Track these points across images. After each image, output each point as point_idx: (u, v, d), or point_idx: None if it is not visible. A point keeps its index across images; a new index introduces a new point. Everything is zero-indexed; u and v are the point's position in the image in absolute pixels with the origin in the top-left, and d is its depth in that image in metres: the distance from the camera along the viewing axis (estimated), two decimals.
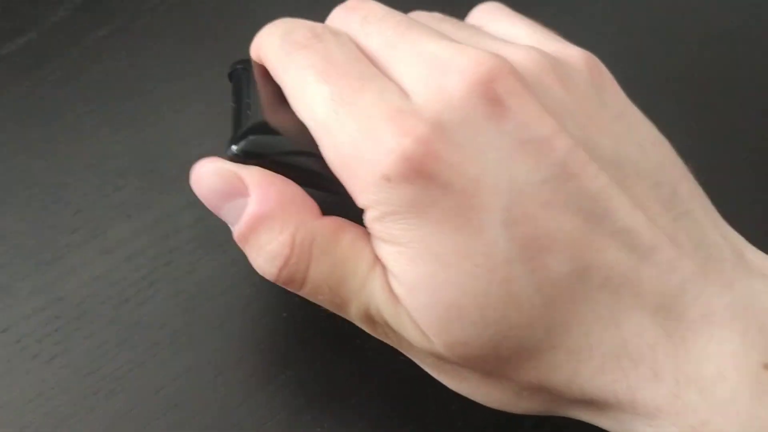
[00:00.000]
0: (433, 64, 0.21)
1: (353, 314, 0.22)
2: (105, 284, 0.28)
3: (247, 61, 0.27)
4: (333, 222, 0.22)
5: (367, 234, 0.22)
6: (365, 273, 0.21)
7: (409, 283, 0.20)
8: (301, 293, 0.22)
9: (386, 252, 0.21)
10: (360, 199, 0.21)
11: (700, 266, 0.21)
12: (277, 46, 0.23)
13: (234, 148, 0.23)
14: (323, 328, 0.27)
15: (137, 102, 0.32)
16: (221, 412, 0.25)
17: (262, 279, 0.22)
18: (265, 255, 0.21)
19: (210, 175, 0.22)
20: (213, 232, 0.29)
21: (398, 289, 0.21)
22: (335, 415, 0.25)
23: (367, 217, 0.21)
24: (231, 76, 0.27)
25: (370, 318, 0.22)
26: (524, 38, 0.24)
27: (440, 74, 0.21)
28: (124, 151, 0.31)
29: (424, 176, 0.20)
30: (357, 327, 0.23)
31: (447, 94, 0.20)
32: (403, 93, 0.21)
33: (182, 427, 0.25)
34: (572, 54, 0.23)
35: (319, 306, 0.22)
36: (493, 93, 0.20)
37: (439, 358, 0.21)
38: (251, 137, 0.23)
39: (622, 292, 0.20)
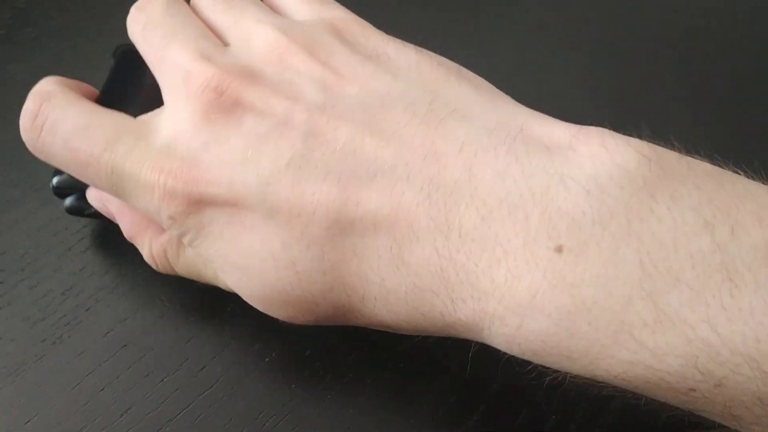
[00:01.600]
0: (171, 83, 0.23)
1: (224, 287, 0.24)
2: (47, 234, 0.28)
3: (134, 50, 0.26)
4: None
5: None
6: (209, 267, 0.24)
7: (229, 285, 0.23)
8: None
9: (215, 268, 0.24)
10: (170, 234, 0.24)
11: (466, 168, 0.20)
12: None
13: (54, 181, 0.26)
14: None
15: (71, 54, 0.32)
16: (171, 349, 0.25)
17: None
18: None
19: (92, 201, 0.26)
20: None
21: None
22: (285, 340, 0.26)
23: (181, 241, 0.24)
24: (114, 55, 0.27)
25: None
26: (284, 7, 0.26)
27: (177, 98, 0.23)
28: None
29: (192, 203, 0.22)
30: None
31: (182, 121, 0.22)
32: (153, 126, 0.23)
33: (133, 365, 0.25)
34: (320, 18, 0.24)
35: None
36: (223, 103, 0.22)
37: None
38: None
39: (396, 231, 0.20)
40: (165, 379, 0.25)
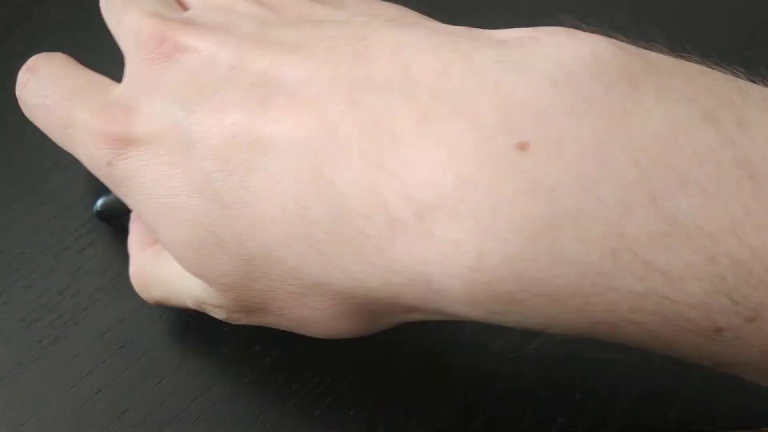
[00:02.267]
0: (126, 42, 0.24)
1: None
2: (44, 234, 0.27)
3: None
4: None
5: None
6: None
7: (166, 246, 0.22)
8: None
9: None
10: (112, 189, 0.23)
11: (400, 68, 0.17)
12: None
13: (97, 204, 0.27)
14: None
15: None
16: (169, 350, 0.25)
17: None
18: None
19: None
20: None
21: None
22: (285, 342, 0.25)
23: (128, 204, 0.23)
24: None
25: (197, 306, 0.23)
26: None
27: (130, 49, 0.23)
28: None
29: (128, 143, 0.21)
30: None
31: (131, 73, 0.23)
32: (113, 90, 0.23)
33: (130, 367, 0.25)
34: None
35: None
36: (165, 51, 0.22)
37: (232, 308, 0.21)
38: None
39: (316, 144, 0.18)
40: (163, 381, 0.24)
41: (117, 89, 0.23)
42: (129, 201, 0.23)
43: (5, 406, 0.24)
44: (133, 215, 0.25)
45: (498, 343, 0.25)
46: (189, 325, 0.25)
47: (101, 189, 0.27)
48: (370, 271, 0.17)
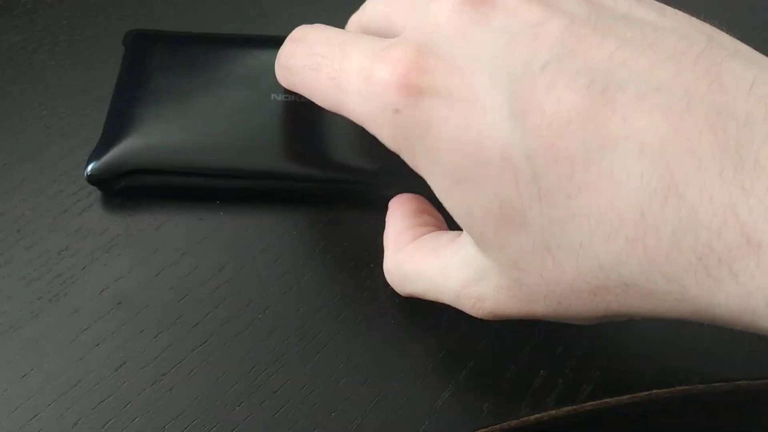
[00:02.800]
0: (416, 1, 0.22)
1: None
2: (44, 198, 0.28)
3: (144, 35, 0.28)
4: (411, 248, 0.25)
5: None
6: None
7: (459, 211, 0.21)
8: None
9: (435, 190, 0.22)
10: (388, 142, 0.22)
11: (760, 105, 0.18)
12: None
13: (88, 169, 0.27)
14: (262, 220, 0.28)
15: (68, 25, 0.33)
16: (165, 306, 0.26)
17: None
18: None
19: None
20: None
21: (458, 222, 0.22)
22: (277, 298, 0.26)
23: (403, 155, 0.22)
24: (125, 42, 0.29)
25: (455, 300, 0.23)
26: None
27: (425, 4, 0.22)
28: (56, 76, 0.31)
29: (426, 94, 0.20)
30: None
31: (432, 16, 0.21)
32: (389, 39, 0.22)
33: (127, 322, 0.25)
34: None
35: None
36: (471, 2, 0.21)
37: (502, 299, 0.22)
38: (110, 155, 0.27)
39: (670, 157, 0.18)
40: (159, 335, 0.25)
41: (402, 36, 0.22)
42: (416, 156, 0.21)
43: (7, 360, 0.24)
44: (391, 206, 0.26)
45: None
46: (185, 283, 0.26)
47: (92, 155, 0.28)
48: (702, 280, 0.18)
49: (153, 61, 0.30)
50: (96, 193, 0.28)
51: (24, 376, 0.24)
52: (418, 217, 0.26)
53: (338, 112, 0.24)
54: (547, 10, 0.20)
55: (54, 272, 0.26)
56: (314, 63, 0.24)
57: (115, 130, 0.28)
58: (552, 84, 0.19)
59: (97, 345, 0.25)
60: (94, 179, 0.27)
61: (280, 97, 0.28)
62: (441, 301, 0.24)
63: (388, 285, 0.26)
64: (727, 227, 0.17)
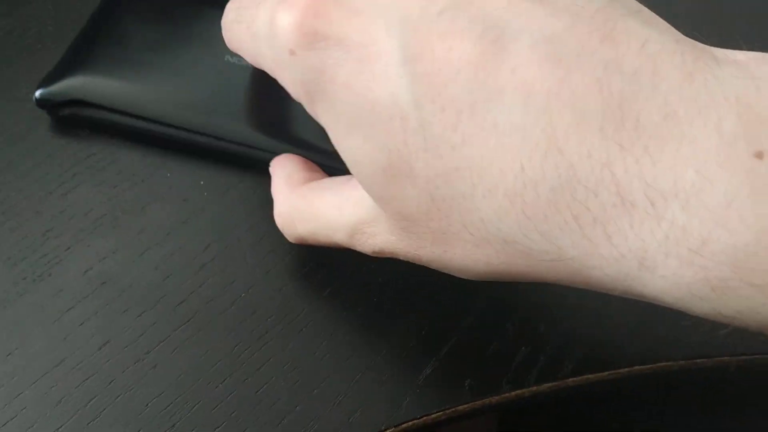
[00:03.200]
0: None
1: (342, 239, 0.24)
2: (29, 180, 0.28)
3: None
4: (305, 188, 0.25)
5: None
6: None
7: (350, 160, 0.21)
8: None
9: (331, 138, 0.22)
10: (289, 87, 0.22)
11: (649, 62, 0.17)
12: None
13: (36, 94, 0.29)
14: (244, 192, 0.28)
15: (54, 6, 0.33)
16: (149, 286, 0.26)
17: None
18: None
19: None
20: None
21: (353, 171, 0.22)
22: (260, 278, 0.26)
23: (302, 101, 0.22)
24: None
25: (349, 237, 0.23)
26: None
27: None
28: (44, 60, 0.31)
29: (321, 38, 0.20)
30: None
31: None
32: None
33: (111, 302, 0.25)
34: None
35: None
36: None
37: (391, 238, 0.22)
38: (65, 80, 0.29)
39: (554, 110, 0.17)
40: (143, 314, 0.25)
41: None
42: (314, 101, 0.21)
43: None
44: (273, 162, 0.27)
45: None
46: (169, 263, 0.26)
47: (44, 80, 0.29)
48: (577, 240, 0.18)
49: (125, 7, 0.31)
50: (80, 177, 0.28)
51: (8, 355, 0.24)
52: (308, 165, 0.26)
53: (258, 66, 0.24)
54: None
55: (39, 253, 0.26)
56: (239, 16, 0.24)
57: (69, 61, 0.29)
58: (446, 31, 0.19)
59: (81, 324, 0.25)
60: (41, 103, 0.29)
61: (234, 60, 0.29)
62: (331, 243, 0.24)
63: (369, 262, 0.26)
64: (604, 186, 0.17)
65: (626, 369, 0.25)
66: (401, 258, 0.22)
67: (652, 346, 0.26)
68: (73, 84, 0.29)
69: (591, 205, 0.17)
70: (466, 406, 0.24)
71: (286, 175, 0.26)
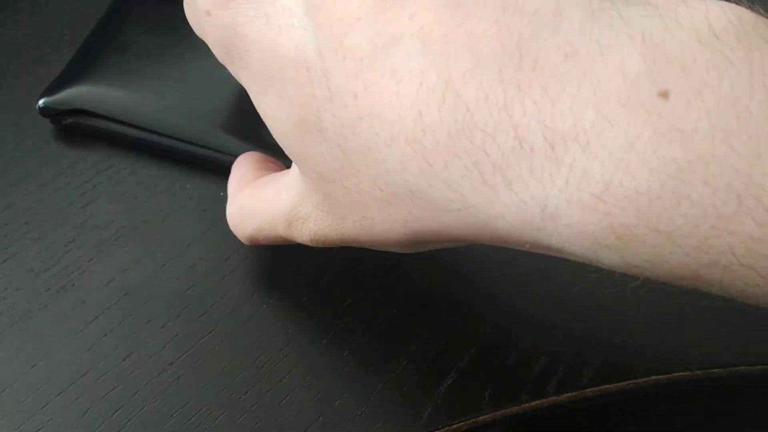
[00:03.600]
0: None
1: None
2: (50, 191, 0.28)
3: None
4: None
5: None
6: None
7: (268, 119, 0.21)
8: None
9: (252, 98, 0.22)
10: (215, 50, 0.22)
11: (550, 1, 0.17)
12: None
13: (40, 102, 0.29)
14: None
15: (71, 18, 0.33)
16: (172, 297, 0.26)
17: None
18: None
19: None
20: None
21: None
22: (282, 288, 0.26)
23: (225, 63, 0.22)
24: None
25: (287, 228, 0.23)
26: None
27: None
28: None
29: None
30: None
31: None
32: None
33: (134, 313, 0.26)
34: None
35: None
36: None
37: (320, 218, 0.22)
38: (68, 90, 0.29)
39: (450, 54, 0.17)
40: (166, 325, 0.26)
41: None
42: (233, 62, 0.22)
43: (17, 350, 0.25)
44: (234, 165, 0.26)
45: (483, 287, 0.27)
46: (191, 273, 0.27)
47: (47, 89, 0.29)
48: (478, 187, 0.17)
49: (131, 16, 0.31)
50: (100, 188, 0.28)
51: (33, 366, 0.25)
52: (263, 164, 0.26)
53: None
54: None
55: (61, 264, 0.27)
56: None
57: (72, 70, 0.30)
58: None
59: (105, 335, 0.25)
60: (44, 112, 0.29)
61: None
62: (276, 237, 0.24)
63: (389, 274, 0.26)
64: (501, 129, 0.16)
65: (644, 379, 0.26)
66: (336, 242, 0.22)
67: (671, 355, 0.26)
68: (76, 93, 0.29)
69: (489, 150, 0.17)
70: (486, 416, 0.24)
71: (239, 175, 0.26)
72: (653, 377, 0.26)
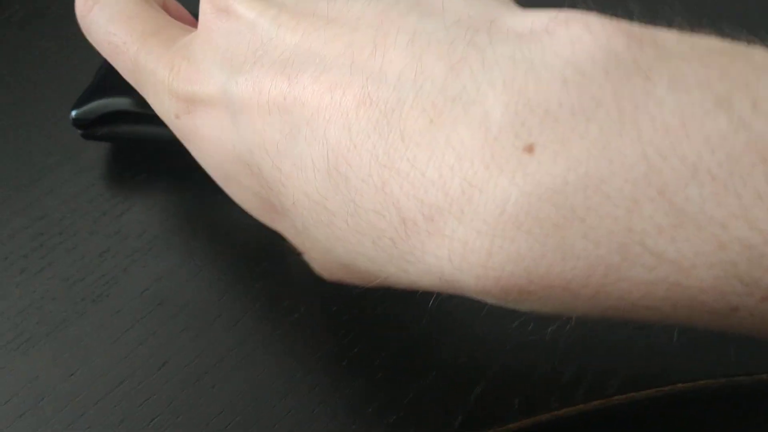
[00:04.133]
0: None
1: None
2: (83, 201, 0.29)
3: None
4: None
5: None
6: None
7: (238, 202, 0.24)
8: None
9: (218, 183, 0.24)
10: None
11: (413, 61, 0.17)
12: None
13: (72, 114, 0.29)
14: None
15: None
16: (205, 306, 0.27)
17: None
18: None
19: None
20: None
21: None
22: (312, 297, 0.27)
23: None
24: None
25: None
26: None
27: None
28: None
29: (189, 101, 0.22)
30: None
31: (199, 28, 0.23)
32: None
33: (168, 322, 0.26)
34: None
35: None
36: (218, 8, 0.22)
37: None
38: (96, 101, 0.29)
39: (332, 137, 0.18)
40: (200, 334, 0.26)
41: (185, 38, 0.23)
42: (194, 155, 0.24)
43: (54, 359, 0.25)
44: None
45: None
46: (223, 282, 0.27)
47: (78, 101, 0.29)
48: (388, 260, 0.18)
49: None
50: (133, 198, 0.29)
51: (71, 375, 0.25)
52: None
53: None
54: (262, 6, 0.21)
55: (96, 274, 0.27)
56: (114, 45, 0.24)
57: (103, 79, 0.30)
58: (257, 79, 0.20)
59: (140, 344, 0.26)
60: (77, 123, 0.29)
61: None
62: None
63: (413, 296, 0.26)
64: (386, 208, 0.17)
65: (669, 387, 0.26)
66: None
67: (695, 363, 0.26)
68: (107, 101, 0.29)
69: (383, 227, 0.17)
70: (516, 424, 0.25)
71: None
72: (678, 385, 0.26)
